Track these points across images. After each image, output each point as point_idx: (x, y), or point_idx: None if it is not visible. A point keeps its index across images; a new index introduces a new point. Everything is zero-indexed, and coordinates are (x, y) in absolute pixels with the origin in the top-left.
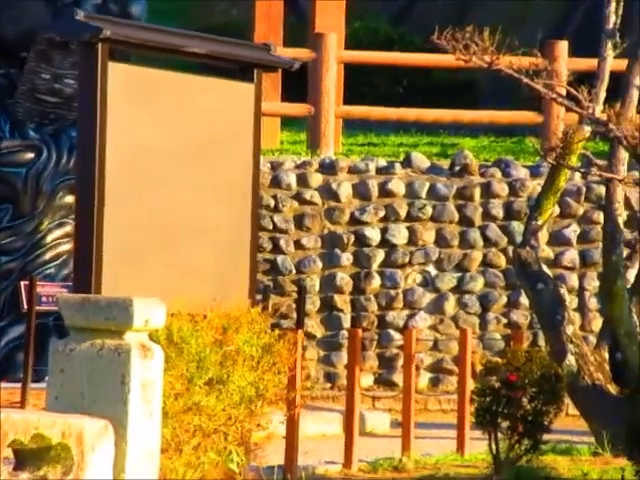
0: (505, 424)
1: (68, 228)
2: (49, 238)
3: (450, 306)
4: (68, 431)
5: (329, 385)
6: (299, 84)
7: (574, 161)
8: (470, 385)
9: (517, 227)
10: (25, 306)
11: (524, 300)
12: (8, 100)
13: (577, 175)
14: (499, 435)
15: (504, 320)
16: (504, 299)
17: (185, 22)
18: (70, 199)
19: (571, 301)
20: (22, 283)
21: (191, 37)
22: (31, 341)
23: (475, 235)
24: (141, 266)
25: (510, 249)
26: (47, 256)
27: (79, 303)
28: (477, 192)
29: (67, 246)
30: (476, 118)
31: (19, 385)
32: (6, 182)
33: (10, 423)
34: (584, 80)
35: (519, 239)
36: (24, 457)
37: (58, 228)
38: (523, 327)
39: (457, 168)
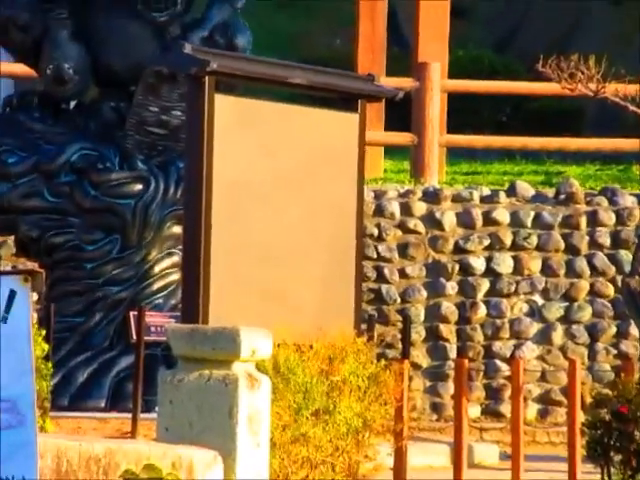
0: (618, 458)
1: (176, 258)
2: (157, 268)
3: (558, 336)
4: (178, 462)
5: (435, 416)
6: (402, 113)
7: None
8: (580, 417)
9: (625, 256)
10: (134, 336)
11: (634, 331)
12: (117, 133)
13: None
14: (612, 469)
15: (613, 351)
16: (613, 329)
17: (288, 53)
18: (177, 229)
19: None
20: (131, 313)
21: (295, 68)
22: (140, 371)
23: (582, 264)
24: (247, 295)
25: (618, 278)
26: (155, 286)
27: (187, 333)
28: (583, 220)
29: (175, 276)
30: (582, 146)
31: (129, 415)
32: (115, 213)
33: (122, 453)
34: None
35: (627, 268)
36: None
37: (166, 258)
38: (633, 358)
39: (562, 196)
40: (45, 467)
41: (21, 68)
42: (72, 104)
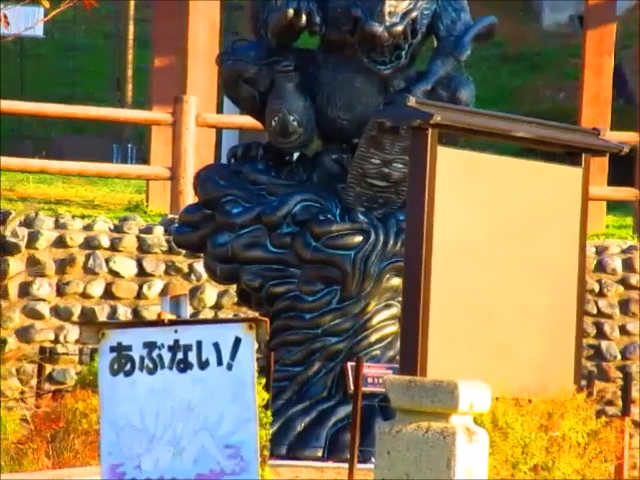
0: None
1: (394, 310)
2: (375, 320)
3: None
4: None
5: None
6: (626, 167)
7: None
8: None
9: None
10: (352, 387)
11: None
12: (339, 185)
13: None
14: None
15: None
16: None
17: (511, 108)
18: (396, 281)
19: None
20: (349, 364)
21: (519, 122)
22: (357, 422)
23: None
24: (465, 348)
25: None
26: (373, 338)
27: (405, 385)
28: None
29: (393, 328)
30: None
31: (346, 465)
32: (335, 264)
33: None
34: None
35: None
36: None
37: (384, 310)
38: None
39: None
40: None
41: (248, 120)
42: (295, 156)
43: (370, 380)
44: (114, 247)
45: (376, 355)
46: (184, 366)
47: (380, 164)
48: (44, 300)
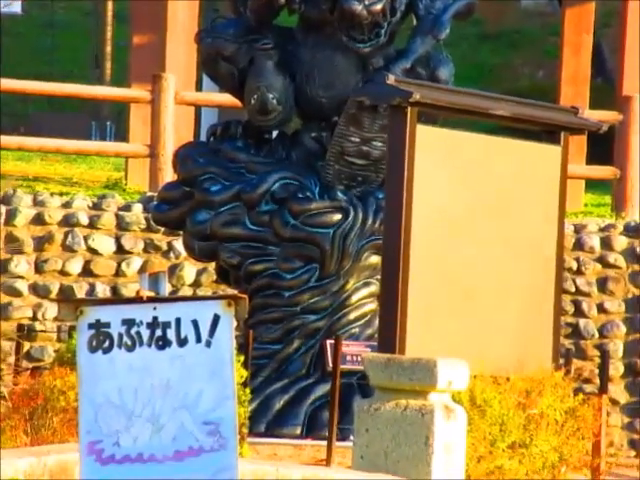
0: None
1: (373, 288)
2: (354, 298)
3: None
4: None
5: (633, 453)
6: (604, 146)
7: None
8: None
9: None
10: (330, 365)
11: None
12: (318, 163)
13: None
14: None
15: None
16: None
17: (490, 86)
18: (375, 259)
19: None
20: (327, 342)
21: (498, 100)
22: (336, 400)
23: None
24: (444, 326)
25: None
26: (352, 316)
27: (383, 363)
28: None
29: (372, 306)
30: None
31: (324, 443)
32: (314, 242)
33: None
34: None
35: None
36: None
37: (363, 288)
38: None
39: None
40: None
41: (227, 98)
42: (274, 134)
43: (349, 358)
44: (93, 225)
45: (355, 333)
46: (163, 343)
47: (359, 142)
48: (22, 277)
